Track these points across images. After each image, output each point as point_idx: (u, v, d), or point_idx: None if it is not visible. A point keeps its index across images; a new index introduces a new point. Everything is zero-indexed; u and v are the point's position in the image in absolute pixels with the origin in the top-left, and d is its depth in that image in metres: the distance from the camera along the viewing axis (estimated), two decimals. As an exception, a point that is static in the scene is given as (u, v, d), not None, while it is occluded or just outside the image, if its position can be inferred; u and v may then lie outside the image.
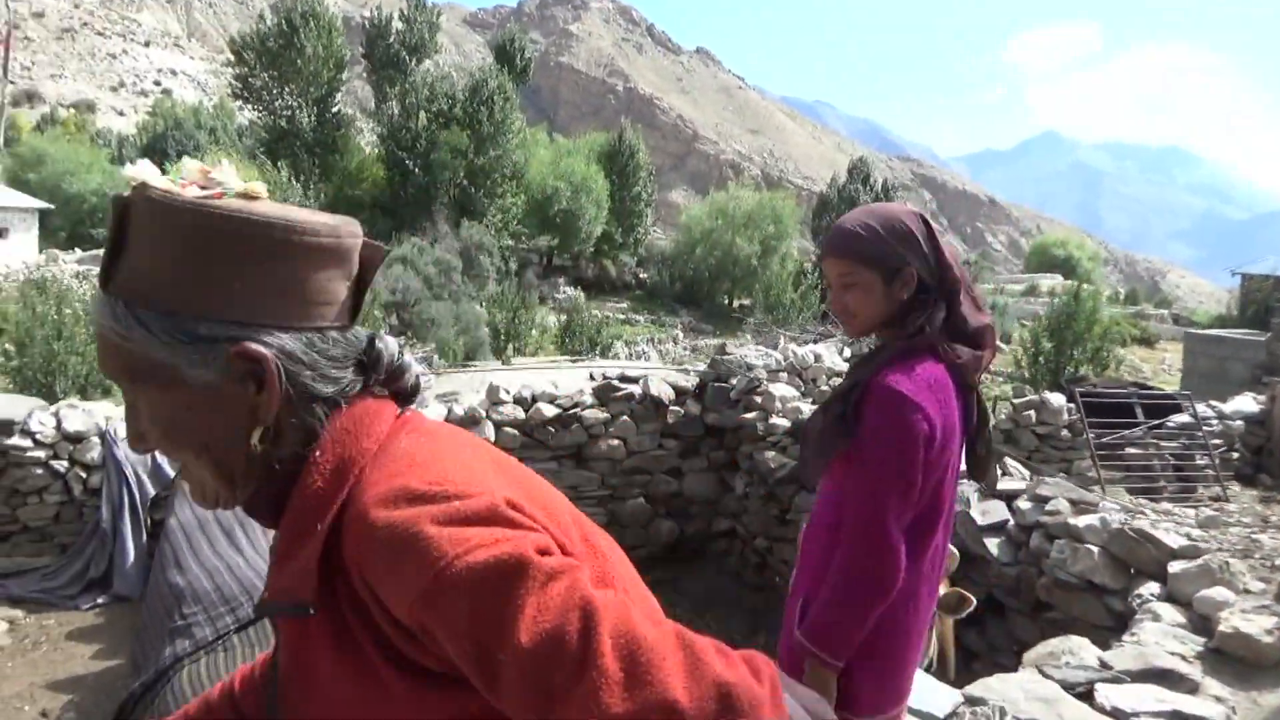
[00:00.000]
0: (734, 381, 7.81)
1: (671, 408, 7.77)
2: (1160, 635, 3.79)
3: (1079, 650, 3.71)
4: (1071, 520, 4.62)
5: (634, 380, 7.89)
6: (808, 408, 7.23)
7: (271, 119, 42.47)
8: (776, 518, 7.13)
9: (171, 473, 5.49)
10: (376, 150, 44.02)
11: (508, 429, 7.21)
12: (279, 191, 37.18)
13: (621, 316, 46.18)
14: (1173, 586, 4.12)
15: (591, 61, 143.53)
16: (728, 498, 7.74)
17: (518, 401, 7.40)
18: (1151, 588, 4.21)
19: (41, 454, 5.39)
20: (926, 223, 2.09)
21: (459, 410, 7.15)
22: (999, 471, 5.52)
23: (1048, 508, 4.82)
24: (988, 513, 5.11)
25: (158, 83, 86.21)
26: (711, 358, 8.25)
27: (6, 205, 33.73)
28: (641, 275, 57.54)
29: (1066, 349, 17.57)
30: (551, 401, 7.43)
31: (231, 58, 44.26)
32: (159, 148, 59.27)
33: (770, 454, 7.13)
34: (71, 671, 4.60)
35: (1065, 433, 9.03)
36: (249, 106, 44.39)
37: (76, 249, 38.79)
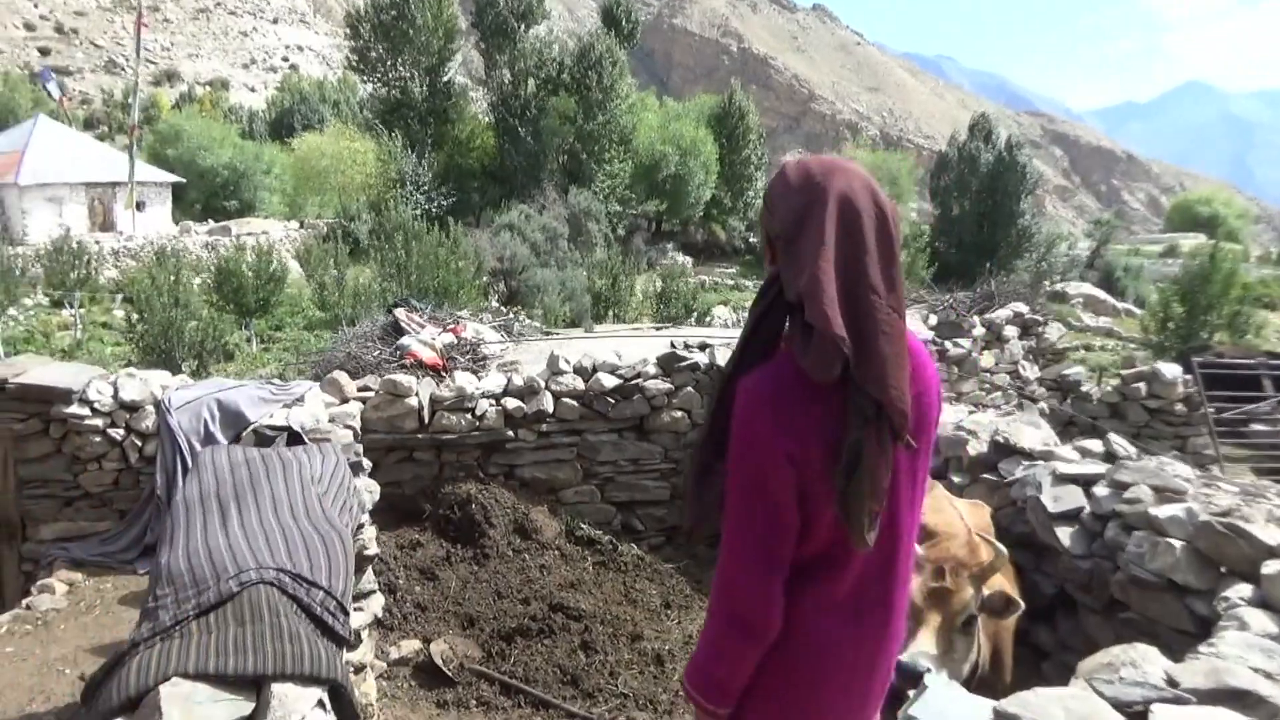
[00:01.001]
0: (805, 351, 7.41)
1: (739, 378, 7.42)
2: (1244, 647, 3.29)
3: (1143, 661, 3.26)
4: (1153, 510, 4.11)
5: (701, 349, 7.59)
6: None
7: (386, 90, 43.44)
8: (846, 496, 6.75)
9: (224, 440, 5.54)
10: (486, 118, 44.51)
11: (566, 400, 7.04)
12: (394, 162, 38.20)
13: (730, 282, 45.60)
14: (1267, 590, 3.59)
15: (705, 23, 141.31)
16: (797, 473, 7.38)
17: (578, 372, 7.22)
18: (1242, 590, 3.70)
19: (99, 422, 5.52)
20: (811, 178, 1.68)
21: (518, 380, 7.02)
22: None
23: (1126, 495, 4.31)
24: (1060, 499, 4.63)
25: (285, 59, 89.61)
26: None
27: (144, 180, 35.64)
28: (752, 240, 56.63)
29: (1199, 314, 16.19)
30: (612, 372, 7.21)
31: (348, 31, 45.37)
32: (286, 122, 61.78)
33: (839, 428, 6.72)
34: (117, 635, 4.69)
35: (1180, 407, 8.25)
36: (365, 79, 45.52)
37: (209, 220, 40.90)
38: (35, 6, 77.90)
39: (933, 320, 8.30)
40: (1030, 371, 8.67)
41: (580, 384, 7.12)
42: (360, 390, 6.77)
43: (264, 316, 23.26)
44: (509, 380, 7.06)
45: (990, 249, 36.17)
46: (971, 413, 6.10)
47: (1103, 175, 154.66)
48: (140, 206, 35.39)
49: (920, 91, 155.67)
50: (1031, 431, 5.33)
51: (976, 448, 5.45)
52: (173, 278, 17.85)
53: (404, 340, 8.57)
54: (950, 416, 5.96)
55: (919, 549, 3.69)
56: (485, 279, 24.00)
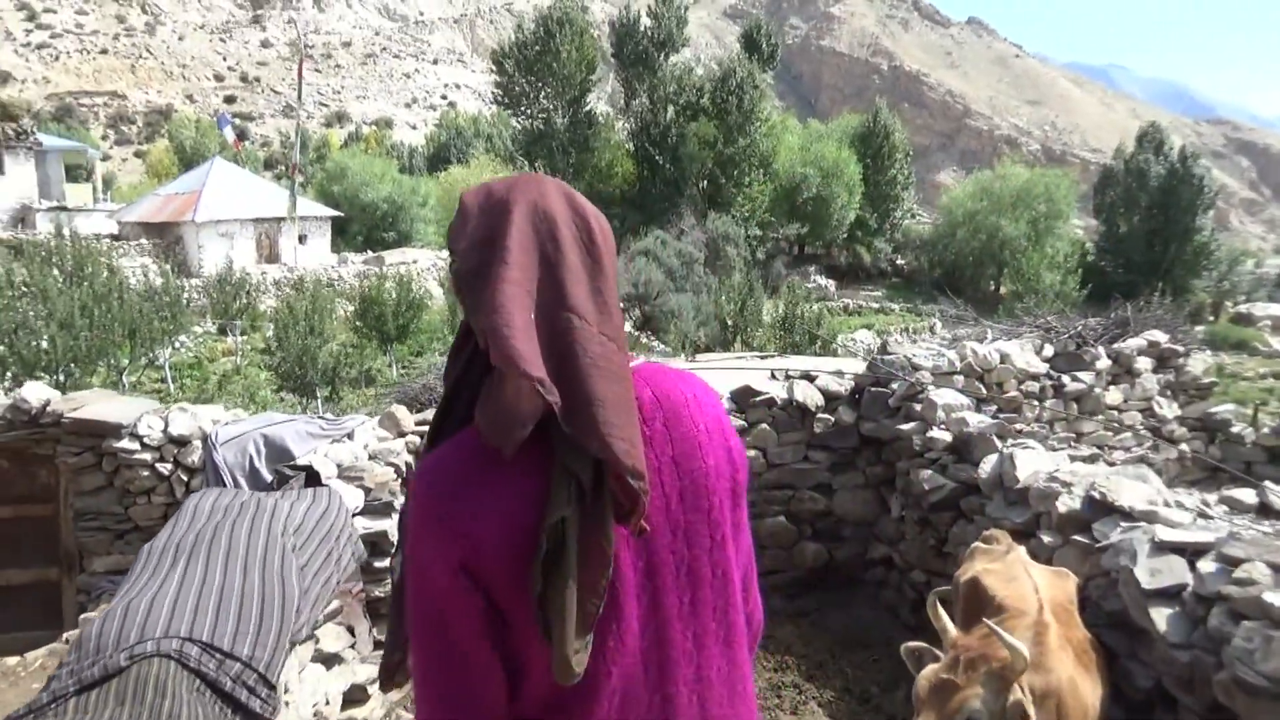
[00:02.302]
0: (894, 387, 6.75)
1: (820, 415, 6.84)
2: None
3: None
4: (1269, 596, 3.32)
5: (805, 379, 7.02)
6: (977, 419, 6.05)
7: (530, 122, 44.66)
8: (934, 549, 6.04)
9: (269, 477, 5.46)
10: (627, 146, 44.99)
11: (631, 436, 6.65)
12: (534, 191, 39.12)
13: (875, 305, 44.07)
14: None
15: (854, 43, 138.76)
16: (885, 520, 6.69)
17: (644, 406, 6.82)
18: (1380, 707, 2.89)
19: (148, 456, 5.57)
20: (492, 196, 1.25)
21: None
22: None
23: (1236, 574, 3.52)
24: (1159, 572, 3.85)
25: (444, 96, 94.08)
26: (870, 358, 7.20)
27: (306, 215, 37.92)
28: (899, 261, 54.66)
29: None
30: (681, 407, 6.77)
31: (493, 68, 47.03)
32: (443, 155, 64.71)
33: (926, 473, 6.03)
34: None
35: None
36: (511, 113, 46.99)
37: (368, 250, 43.14)
38: (224, 60, 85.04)
39: (1048, 351, 7.41)
40: (1168, 409, 7.62)
41: (646, 420, 6.71)
42: (419, 424, 6.61)
43: (404, 342, 24.06)
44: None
45: (1162, 268, 33.36)
46: (1075, 459, 5.31)
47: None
48: (302, 239, 37.65)
49: (1087, 102, 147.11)
50: (1134, 486, 4.52)
51: (1069, 503, 4.69)
52: (309, 305, 18.67)
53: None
54: (1045, 464, 5.19)
55: (956, 632, 3.09)
56: (622, 305, 24.01)
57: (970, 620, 4.21)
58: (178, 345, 22.03)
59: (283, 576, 3.28)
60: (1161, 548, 3.93)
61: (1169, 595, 3.78)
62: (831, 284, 48.08)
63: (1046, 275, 26.42)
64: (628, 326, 23.25)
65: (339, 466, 5.39)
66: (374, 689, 4.55)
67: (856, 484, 6.90)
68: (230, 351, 23.89)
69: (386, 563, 5.26)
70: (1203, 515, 4.29)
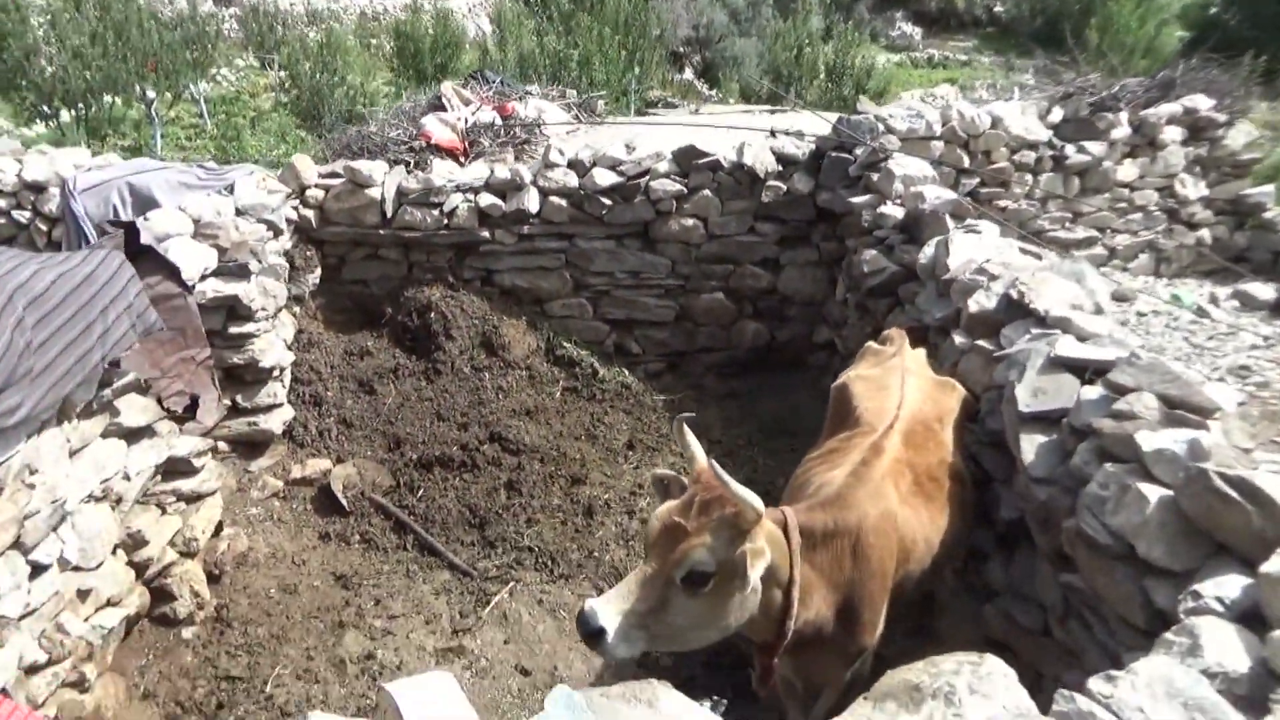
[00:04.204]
0: (857, 153, 5.85)
1: (771, 183, 6.03)
2: (1162, 695, 2.04)
3: (967, 680, 2.09)
4: (1144, 436, 2.68)
5: (800, 138, 6.16)
6: (936, 194, 5.20)
7: None
8: (871, 337, 5.42)
9: (139, 225, 4.99)
10: None
11: (555, 199, 5.98)
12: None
13: (963, 57, 40.37)
14: (1263, 595, 2.22)
15: None
16: (833, 303, 6.04)
17: (572, 166, 6.08)
18: (1228, 585, 2.34)
19: (2, 203, 5.16)
20: None
21: (502, 172, 6.00)
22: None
23: (1117, 405, 2.86)
24: (1043, 393, 3.20)
25: None
26: (838, 118, 6.23)
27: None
28: (996, 9, 49.51)
29: None
30: (613, 168, 6.02)
31: None
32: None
33: (870, 253, 5.30)
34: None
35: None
36: None
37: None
38: None
39: (1056, 115, 6.29)
40: (1193, 189, 6.53)
41: (573, 180, 6.01)
42: (327, 177, 6.03)
43: (443, 81, 22.88)
44: (491, 172, 6.06)
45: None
46: (1027, 251, 4.47)
47: None
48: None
49: None
50: (1062, 285, 3.76)
51: (982, 301, 3.96)
52: (323, 40, 17.59)
53: (424, 119, 7.66)
54: (981, 253, 4.40)
55: (702, 463, 2.55)
56: (682, 49, 22.31)
57: (835, 429, 3.68)
58: (217, 78, 21.29)
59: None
60: (1056, 364, 3.27)
61: (1048, 421, 3.17)
62: (918, 32, 43.96)
63: (1137, 25, 23.21)
64: (687, 73, 21.72)
65: (196, 222, 4.90)
66: (204, 460, 4.31)
67: (808, 261, 6.20)
68: (272, 87, 23.10)
69: (244, 328, 4.90)
70: (1126, 325, 3.55)
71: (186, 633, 4.06)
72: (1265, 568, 2.21)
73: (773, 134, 6.53)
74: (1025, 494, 3.13)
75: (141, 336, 3.71)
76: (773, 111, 11.04)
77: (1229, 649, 2.13)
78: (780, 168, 6.10)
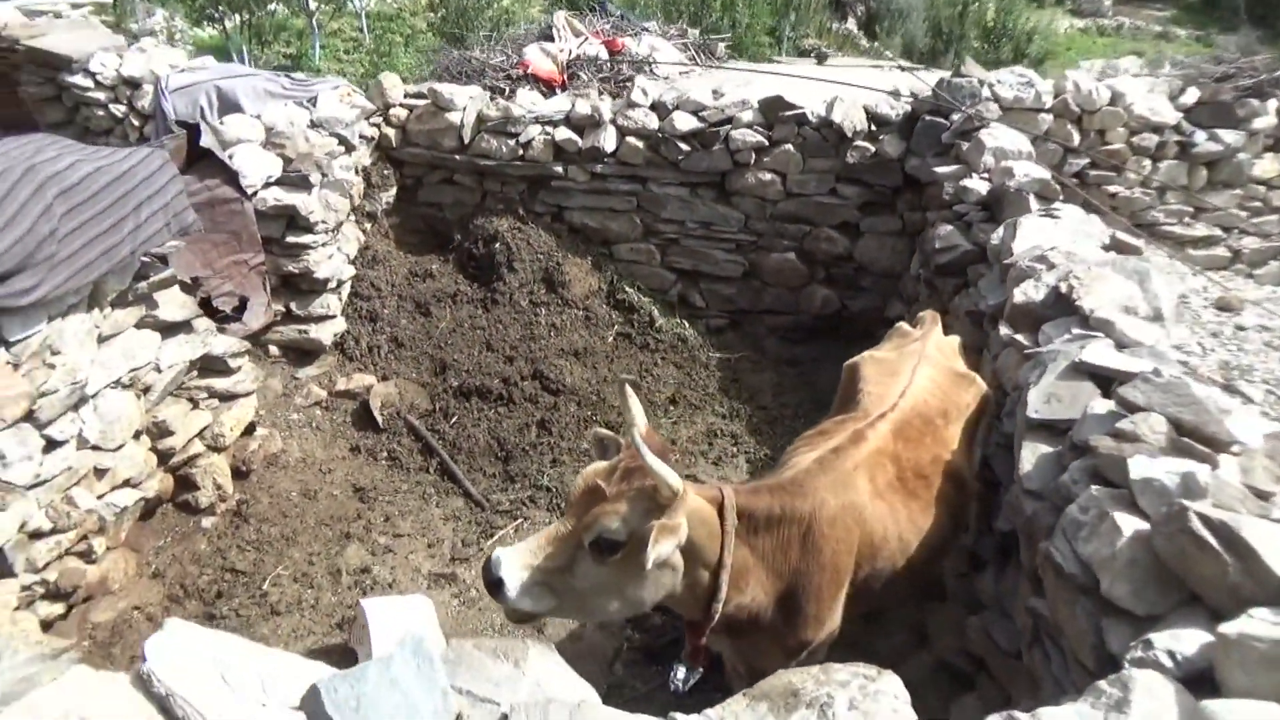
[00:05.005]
0: (954, 118, 5.45)
1: (858, 143, 5.71)
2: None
3: (852, 695, 1.96)
4: (1137, 462, 2.41)
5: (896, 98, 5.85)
6: (1026, 170, 4.79)
7: None
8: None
9: (202, 128, 5.16)
10: None
11: (632, 139, 5.84)
12: None
13: (1157, 28, 37.15)
14: (1217, 654, 1.97)
15: None
16: (910, 277, 5.71)
17: (654, 108, 5.93)
18: (1186, 639, 2.09)
19: (101, 95, 5.44)
20: None
21: (583, 107, 5.91)
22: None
23: (1122, 424, 2.57)
24: (1056, 400, 2.92)
25: None
26: (939, 79, 5.81)
27: None
28: (1205, -26, 45.05)
29: None
30: (695, 113, 5.83)
31: None
32: None
33: (946, 229, 4.97)
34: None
35: None
36: None
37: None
38: None
39: (1190, 96, 5.65)
40: (1345, 193, 5.79)
41: (654, 122, 5.86)
42: (413, 97, 6.09)
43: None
44: (572, 106, 5.97)
45: None
46: (1116, 244, 4.02)
47: None
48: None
49: None
50: (1119, 285, 3.38)
51: (1028, 293, 3.62)
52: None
53: (526, 48, 7.61)
54: (1050, 239, 4.01)
55: (643, 428, 2.46)
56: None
57: (839, 409, 3.50)
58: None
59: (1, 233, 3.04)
60: (1078, 370, 2.98)
61: (1056, 430, 2.90)
62: (1109, -2, 40.58)
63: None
64: (849, 23, 20.92)
65: (269, 130, 5.04)
66: (240, 361, 4.48)
67: (890, 230, 5.87)
68: (430, 7, 23.53)
69: (302, 239, 5.04)
70: (1216, 337, 3.19)
71: (206, 522, 4.29)
72: (1225, 627, 1.96)
73: (896, 94, 6.13)
74: (1015, 506, 2.88)
75: (176, 235, 3.86)
76: (903, 69, 10.41)
77: (1162, 712, 1.91)
78: (871, 128, 5.76)
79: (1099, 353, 2.98)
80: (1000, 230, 4.42)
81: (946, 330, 4.10)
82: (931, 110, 5.59)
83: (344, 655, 3.78)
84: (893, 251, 5.87)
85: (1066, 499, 2.61)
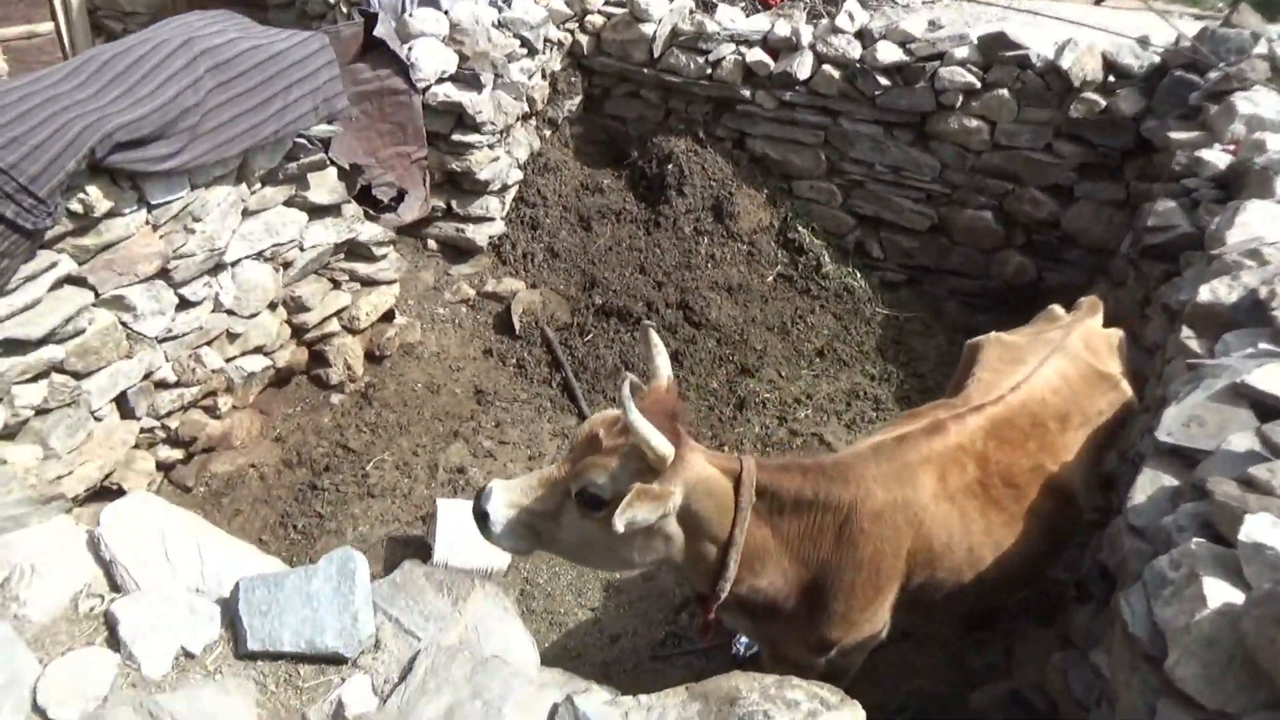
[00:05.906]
0: (1212, 76, 4.58)
1: (1086, 95, 4.95)
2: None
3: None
4: (1256, 522, 1.91)
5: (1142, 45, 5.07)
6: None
7: None
8: (1138, 304, 4.41)
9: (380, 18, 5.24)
10: None
11: (829, 68, 5.39)
12: None
13: None
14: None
15: None
16: (1121, 256, 4.94)
17: (860, 35, 5.42)
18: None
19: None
20: None
21: (782, 29, 5.50)
22: None
23: (1256, 469, 2.05)
24: (1199, 424, 2.38)
25: None
26: (1202, 28, 4.88)
27: None
28: None
29: None
30: (903, 44, 5.27)
31: None
32: None
33: (1166, 204, 4.23)
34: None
35: None
36: None
37: None
38: None
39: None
40: None
41: (855, 51, 5.37)
42: (613, 4, 5.93)
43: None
44: (771, 26, 5.58)
45: None
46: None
47: None
48: None
49: None
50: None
51: (1219, 292, 2.94)
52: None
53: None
54: (1273, 229, 3.23)
55: (664, 382, 2.25)
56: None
57: (953, 392, 3.07)
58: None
59: (142, 100, 3.23)
60: (1237, 393, 2.42)
61: (1188, 461, 2.38)
62: None
63: None
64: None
65: (453, 26, 5.08)
66: (385, 250, 4.62)
67: (1110, 198, 5.12)
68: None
69: (468, 138, 5.09)
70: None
71: (334, 398, 4.53)
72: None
73: (1179, 42, 5.22)
74: (1114, 541, 2.41)
75: (324, 119, 3.98)
76: (1198, 18, 8.87)
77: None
78: (1108, 79, 4.97)
79: (1271, 377, 2.39)
80: (1224, 214, 3.68)
81: (1132, 325, 3.50)
82: (1186, 64, 4.72)
83: (420, 547, 3.90)
84: (1109, 224, 5.11)
85: (1167, 545, 2.14)
